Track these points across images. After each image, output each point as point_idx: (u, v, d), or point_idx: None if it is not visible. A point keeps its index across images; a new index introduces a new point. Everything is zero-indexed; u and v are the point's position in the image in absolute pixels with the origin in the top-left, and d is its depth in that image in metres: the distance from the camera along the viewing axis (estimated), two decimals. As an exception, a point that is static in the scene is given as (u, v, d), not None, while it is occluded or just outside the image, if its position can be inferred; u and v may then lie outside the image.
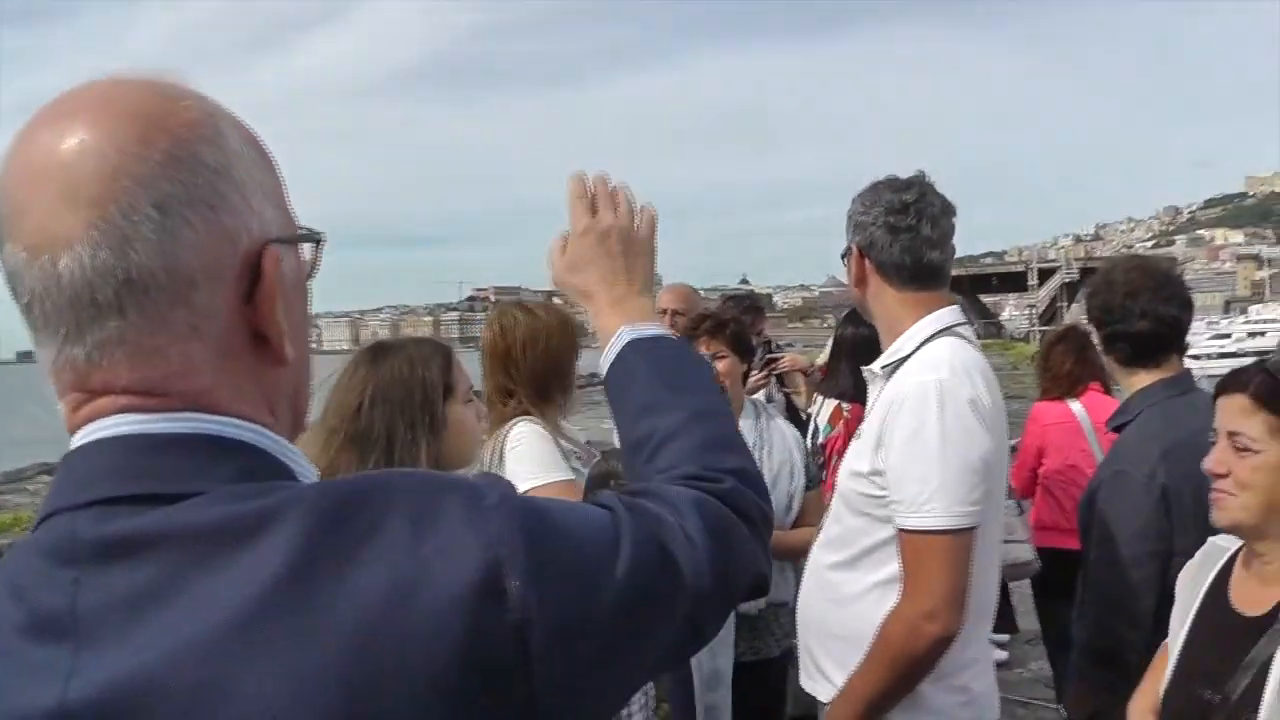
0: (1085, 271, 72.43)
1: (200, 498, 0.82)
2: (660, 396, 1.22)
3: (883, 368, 2.51)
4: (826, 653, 2.51)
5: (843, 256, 2.62)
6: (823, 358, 6.19)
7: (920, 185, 2.51)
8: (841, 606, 2.47)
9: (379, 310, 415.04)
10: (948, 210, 2.51)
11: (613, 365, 1.29)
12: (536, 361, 3.07)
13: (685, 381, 1.26)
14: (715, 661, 3.60)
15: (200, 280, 0.86)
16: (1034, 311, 69.45)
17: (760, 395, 4.83)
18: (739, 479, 1.13)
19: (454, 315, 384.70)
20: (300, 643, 0.76)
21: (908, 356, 2.43)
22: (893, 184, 2.52)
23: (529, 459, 2.86)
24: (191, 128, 0.87)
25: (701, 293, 5.85)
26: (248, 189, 0.90)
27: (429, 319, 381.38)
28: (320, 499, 0.83)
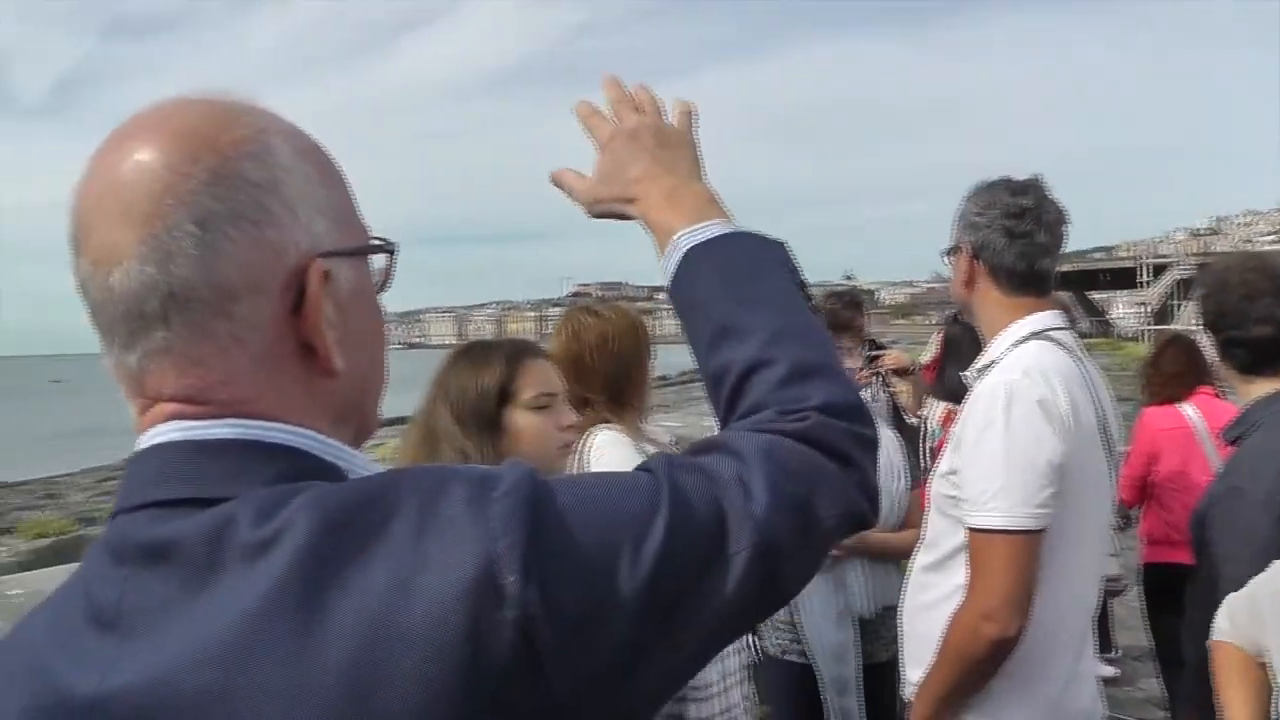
0: (1201, 268, 69.99)
1: (232, 502, 0.84)
2: (733, 316, 1.11)
3: (977, 371, 2.50)
4: (914, 653, 2.51)
5: (945, 254, 2.61)
6: (926, 356, 6.08)
7: (1037, 190, 2.48)
8: (931, 608, 2.45)
9: (484, 306, 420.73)
10: (1062, 218, 2.49)
11: (674, 280, 1.18)
12: (608, 366, 3.00)
13: (759, 291, 1.14)
14: (842, 667, 3.58)
15: (242, 293, 0.88)
16: (1146, 310, 67.52)
17: (864, 395, 4.73)
18: (824, 412, 1.04)
19: (558, 311, 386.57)
20: (302, 644, 0.76)
21: (997, 360, 2.43)
22: (1010, 186, 2.49)
23: (611, 469, 2.81)
24: (238, 145, 0.90)
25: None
26: (297, 204, 0.92)
27: (533, 314, 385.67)
28: (328, 499, 0.83)
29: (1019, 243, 2.44)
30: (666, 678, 0.93)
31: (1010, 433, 2.23)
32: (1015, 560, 2.21)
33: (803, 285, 1.18)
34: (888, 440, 3.95)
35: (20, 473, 22.70)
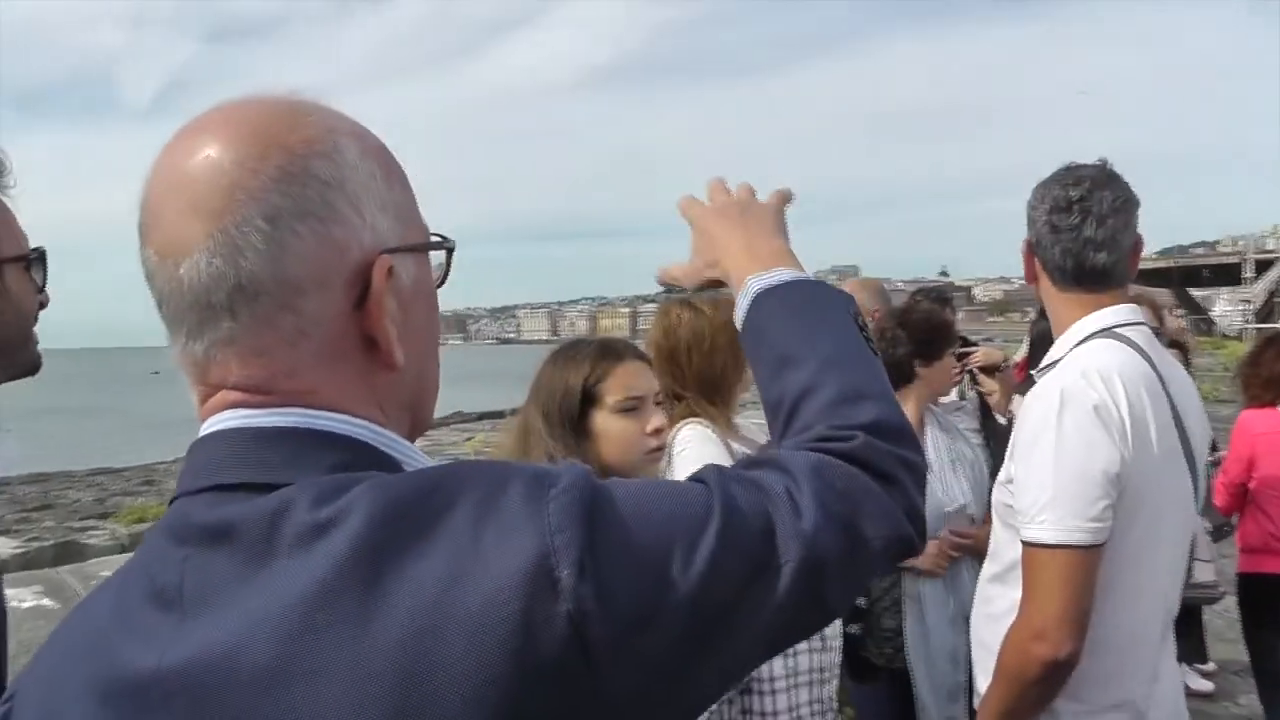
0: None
1: (290, 487, 0.86)
2: (791, 347, 1.17)
3: (1038, 372, 2.41)
4: (983, 663, 2.40)
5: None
6: (1019, 353, 5.95)
7: (1092, 179, 2.33)
8: (994, 620, 2.35)
9: (577, 302, 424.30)
10: (1121, 207, 2.32)
11: (745, 322, 1.25)
12: (702, 361, 2.97)
13: (817, 324, 1.20)
14: (956, 672, 3.52)
15: (308, 288, 0.91)
16: (1249, 307, 65.61)
17: (953, 394, 4.60)
18: (871, 433, 1.07)
19: (651, 307, 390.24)
20: (358, 627, 0.78)
21: (1059, 360, 2.32)
22: (1063, 177, 2.37)
23: (694, 463, 2.78)
24: (308, 143, 0.93)
25: (900, 285, 5.70)
26: (362, 202, 0.95)
27: (626, 310, 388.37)
28: (388, 488, 0.85)
29: (1064, 237, 2.32)
30: (708, 683, 0.94)
31: (1061, 441, 2.12)
32: (1068, 577, 2.09)
33: (865, 328, 1.23)
34: (974, 449, 3.97)
35: (121, 460, 23.44)
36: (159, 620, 0.86)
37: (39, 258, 1.72)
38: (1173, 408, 2.25)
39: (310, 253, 0.91)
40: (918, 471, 1.10)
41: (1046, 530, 2.10)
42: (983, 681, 2.37)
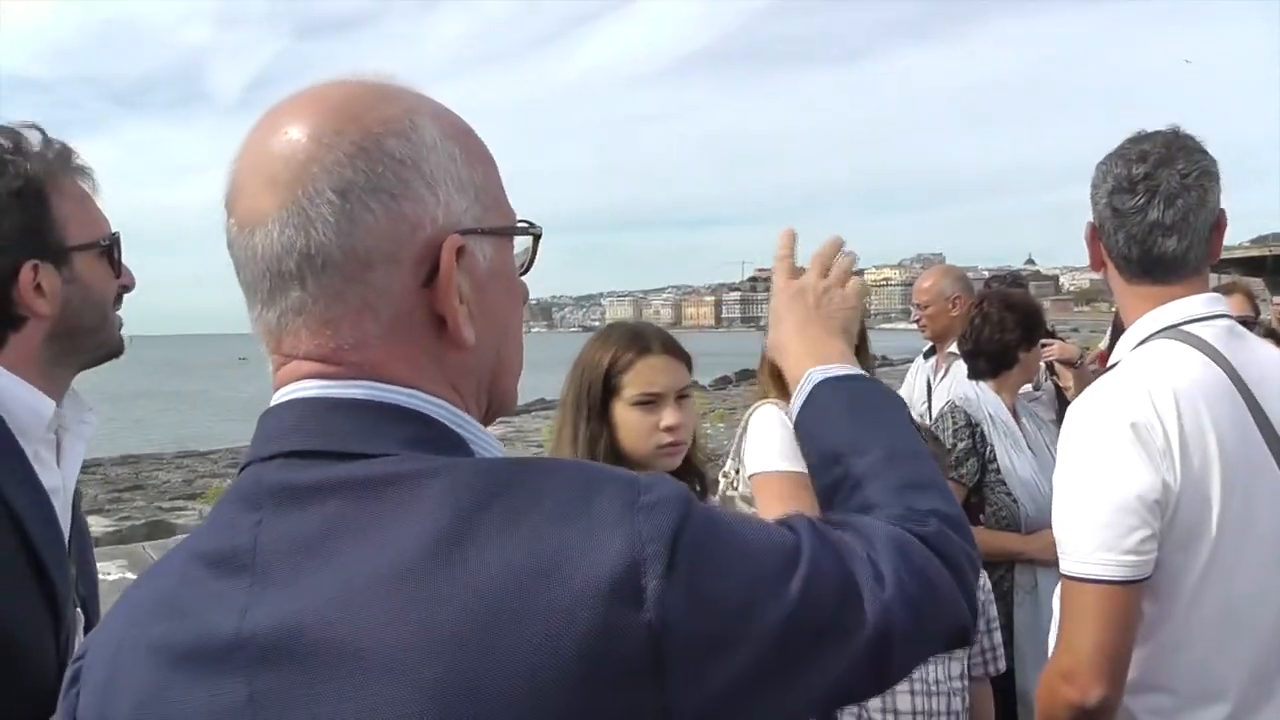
0: None
1: (370, 459, 0.89)
2: (854, 437, 1.21)
3: (1099, 375, 2.13)
4: None
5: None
6: (1103, 343, 5.86)
7: (1158, 153, 2.03)
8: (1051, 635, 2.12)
9: (662, 290, 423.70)
10: (1194, 182, 2.01)
11: (803, 408, 1.29)
12: None
13: (879, 419, 1.24)
14: None
15: (376, 261, 0.93)
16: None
17: (1028, 385, 4.55)
18: (943, 521, 1.10)
19: (735, 295, 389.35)
20: (438, 608, 0.80)
21: (1120, 363, 2.07)
22: (1127, 150, 2.07)
23: (763, 445, 2.85)
24: (385, 122, 0.95)
25: (985, 273, 5.64)
26: (437, 181, 0.96)
27: (710, 299, 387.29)
28: (482, 474, 0.88)
29: (1129, 221, 2.03)
30: (780, 718, 0.94)
31: (1094, 464, 1.92)
32: (1101, 614, 1.86)
33: (918, 427, 1.24)
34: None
35: (209, 443, 23.97)
36: (230, 584, 0.88)
37: (110, 244, 1.75)
38: (1256, 414, 1.95)
39: (380, 227, 0.92)
40: (976, 567, 1.13)
41: (1077, 563, 1.90)
42: None
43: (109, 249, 1.75)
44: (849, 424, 1.22)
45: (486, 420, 1.04)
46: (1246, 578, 1.92)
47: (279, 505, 0.90)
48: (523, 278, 1.09)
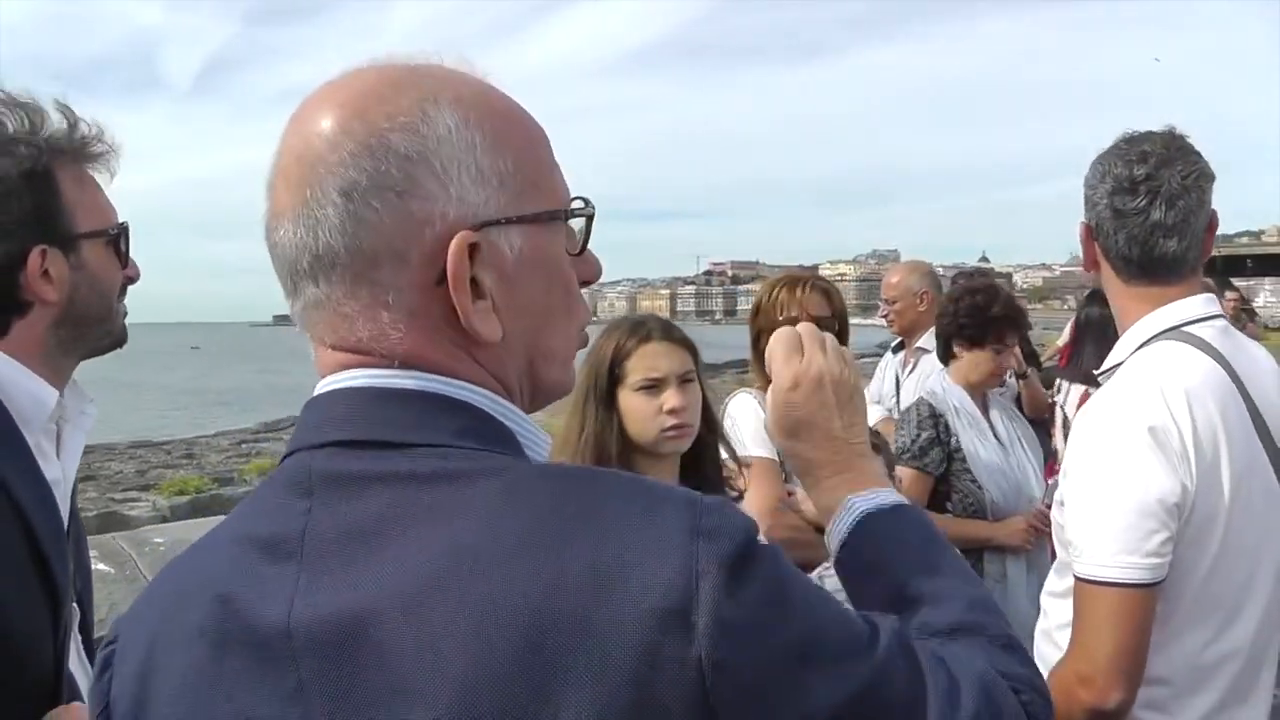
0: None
1: (424, 450, 0.89)
2: (923, 582, 1.09)
3: (1102, 374, 2.17)
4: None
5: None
6: (1061, 340, 5.96)
7: (1159, 154, 2.04)
8: (1046, 636, 2.21)
9: (617, 283, 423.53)
10: (1194, 184, 2.04)
11: (849, 539, 1.16)
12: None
13: (942, 561, 1.13)
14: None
15: (383, 260, 0.92)
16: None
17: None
18: (1036, 692, 1.01)
19: (690, 289, 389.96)
20: (489, 611, 0.80)
21: (1121, 364, 2.09)
22: (1126, 151, 2.08)
23: (738, 431, 3.06)
24: (392, 117, 0.93)
25: (940, 270, 5.70)
26: (449, 175, 0.93)
27: (665, 292, 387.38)
28: (540, 482, 0.88)
29: (1130, 222, 2.04)
30: None
31: (1113, 468, 1.91)
32: (1120, 617, 1.86)
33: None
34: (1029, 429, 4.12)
35: (163, 432, 23.71)
36: (279, 571, 0.88)
37: (119, 234, 1.75)
38: (1253, 413, 2.01)
39: (385, 226, 0.91)
40: None
41: (1096, 566, 1.89)
42: None
43: (116, 238, 1.74)
44: (914, 566, 1.10)
45: (534, 407, 1.03)
46: (1239, 571, 1.98)
47: (330, 494, 0.90)
48: (592, 255, 1.06)
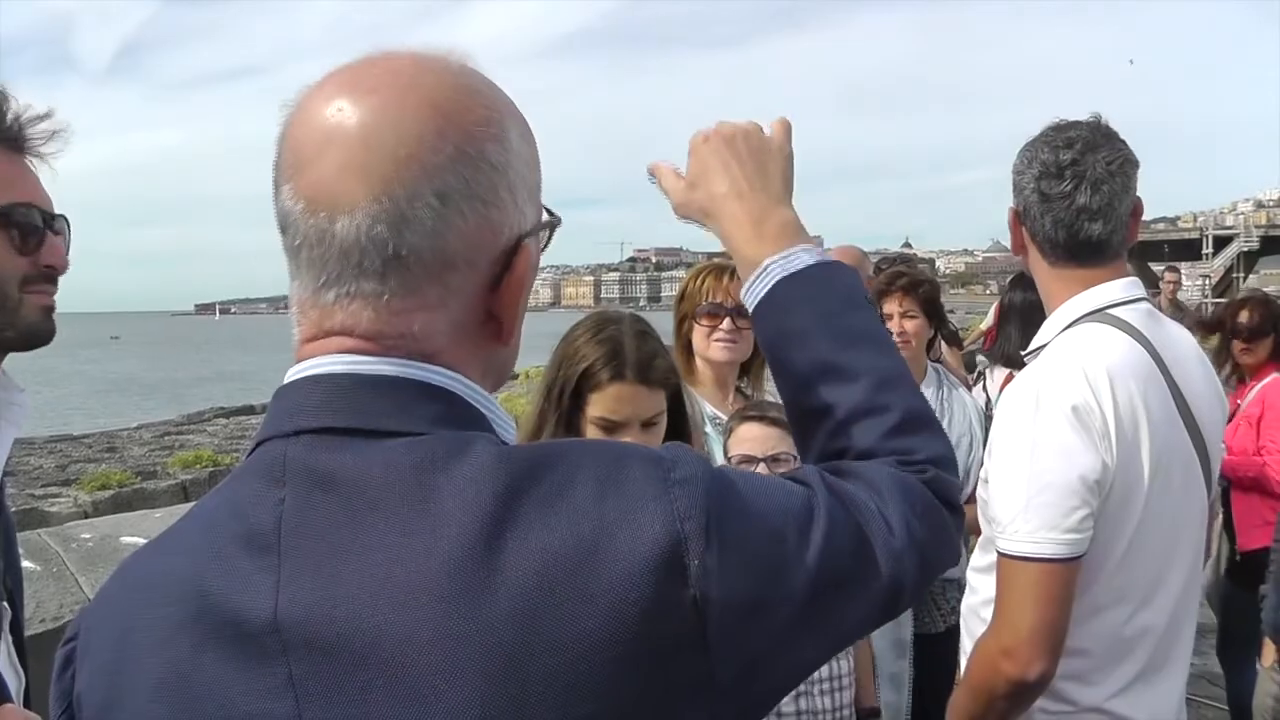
0: (1267, 239, 68.68)
1: (402, 440, 0.89)
2: (834, 354, 1.12)
3: (1026, 356, 2.21)
4: (966, 653, 2.22)
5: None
6: (985, 323, 6.07)
7: (1084, 140, 2.10)
8: (973, 612, 2.25)
9: (541, 270, 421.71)
10: (1118, 170, 2.10)
11: (764, 304, 1.17)
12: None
13: (857, 329, 1.14)
14: (900, 631, 3.58)
15: (460, 265, 0.94)
16: (1207, 282, 66.32)
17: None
18: (940, 466, 1.10)
19: (614, 276, 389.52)
20: (482, 598, 0.81)
21: (1045, 345, 2.14)
22: (1053, 138, 2.14)
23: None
24: (484, 126, 0.95)
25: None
26: (517, 188, 0.97)
27: (590, 279, 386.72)
28: (511, 461, 0.87)
29: (1056, 206, 2.10)
30: (793, 674, 0.99)
31: (1036, 446, 1.95)
32: (1041, 591, 1.92)
33: (881, 316, 1.22)
34: (969, 407, 4.02)
35: (83, 425, 23.15)
36: (257, 564, 0.87)
37: (6, 212, 1.61)
38: (1175, 395, 2.07)
39: (470, 233, 0.93)
40: (961, 508, 1.12)
41: (1019, 542, 1.93)
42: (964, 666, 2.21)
43: (6, 218, 1.61)
44: (825, 336, 1.13)
45: (491, 392, 1.04)
46: (1158, 547, 2.05)
47: (306, 485, 0.88)
48: None
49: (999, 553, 1.98)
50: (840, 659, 2.75)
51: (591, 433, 2.33)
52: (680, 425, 2.45)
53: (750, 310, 1.19)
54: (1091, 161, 2.09)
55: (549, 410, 2.35)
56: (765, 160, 1.24)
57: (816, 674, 2.69)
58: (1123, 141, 2.14)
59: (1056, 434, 1.94)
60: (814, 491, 0.97)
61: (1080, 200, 2.09)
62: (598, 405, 2.33)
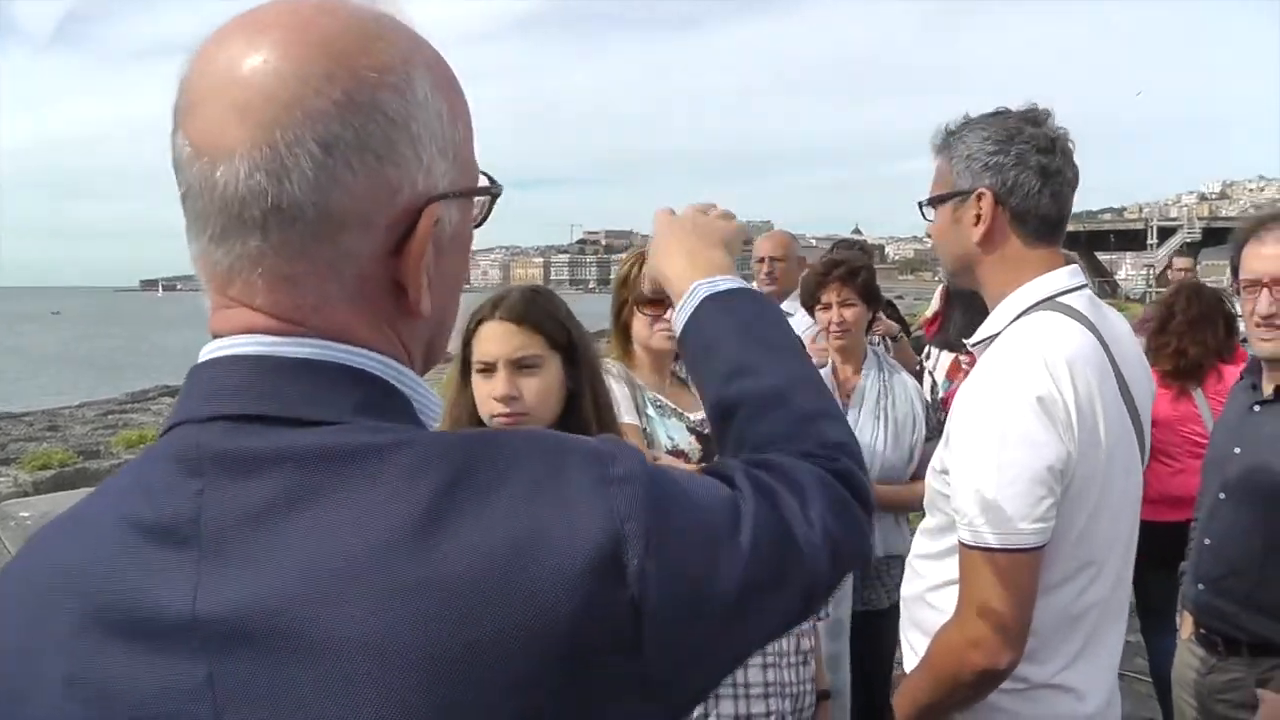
0: (1209, 231, 70.03)
1: (326, 428, 0.84)
2: (750, 358, 1.20)
3: (975, 344, 2.17)
4: (913, 641, 2.25)
5: (923, 205, 2.23)
6: (930, 309, 6.11)
7: (1047, 119, 2.10)
8: (918, 598, 2.24)
9: (490, 250, 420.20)
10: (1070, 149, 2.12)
11: (690, 321, 1.27)
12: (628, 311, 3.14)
13: (774, 340, 1.24)
14: (838, 610, 3.58)
15: (350, 224, 0.87)
16: (1151, 272, 67.49)
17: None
18: (850, 457, 1.12)
19: (564, 257, 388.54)
20: (414, 595, 0.77)
21: (998, 334, 2.09)
22: (1025, 116, 2.10)
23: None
24: (381, 72, 0.87)
25: (814, 241, 5.76)
26: (422, 142, 0.90)
27: (539, 260, 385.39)
28: (446, 452, 0.84)
29: (1054, 181, 2.06)
30: (719, 673, 0.97)
31: (1003, 438, 1.92)
32: (1009, 581, 1.92)
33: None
34: (910, 389, 4.02)
35: (22, 403, 22.73)
36: (174, 557, 0.81)
37: None
38: (1119, 378, 2.07)
39: (360, 189, 0.86)
40: (871, 500, 1.14)
41: (985, 533, 1.92)
42: (910, 655, 2.25)
43: None
44: (743, 343, 1.21)
45: (423, 371, 1.00)
46: (1108, 528, 2.06)
47: (225, 474, 0.82)
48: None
49: (964, 544, 1.97)
50: (804, 636, 2.78)
51: (478, 383, 2.30)
52: (578, 377, 2.35)
53: (678, 332, 1.30)
54: (1063, 138, 2.10)
55: (454, 379, 2.34)
56: (707, 229, 1.39)
57: (784, 646, 2.71)
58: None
59: (1022, 424, 1.92)
60: (741, 492, 0.97)
61: (1068, 174, 2.10)
62: (476, 352, 2.30)
